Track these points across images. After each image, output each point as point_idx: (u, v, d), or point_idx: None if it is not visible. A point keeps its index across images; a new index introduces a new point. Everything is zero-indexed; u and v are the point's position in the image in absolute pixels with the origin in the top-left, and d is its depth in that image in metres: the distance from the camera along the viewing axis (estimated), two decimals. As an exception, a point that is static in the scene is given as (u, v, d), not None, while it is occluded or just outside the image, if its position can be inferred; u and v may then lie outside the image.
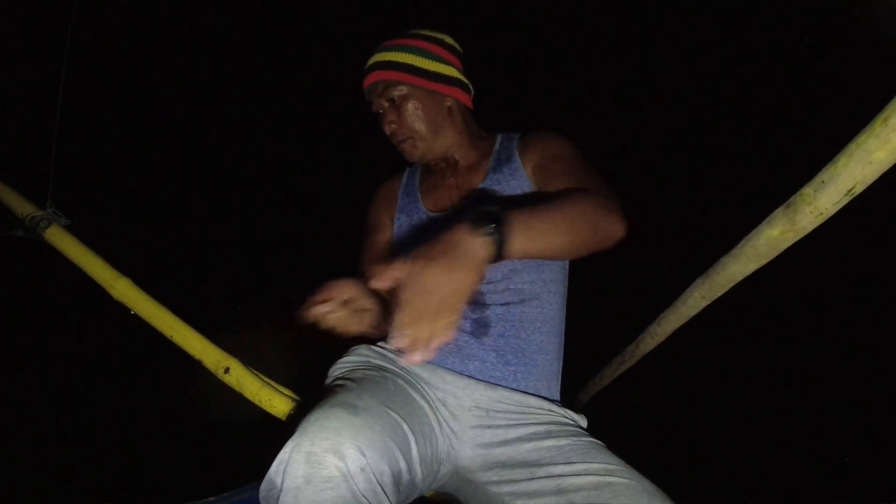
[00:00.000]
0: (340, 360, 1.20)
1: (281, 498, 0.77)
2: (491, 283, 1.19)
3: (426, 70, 1.28)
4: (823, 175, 0.69)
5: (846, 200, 0.69)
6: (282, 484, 0.77)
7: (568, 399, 1.30)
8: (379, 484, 0.79)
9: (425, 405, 1.08)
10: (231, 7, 4.21)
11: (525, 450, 1.04)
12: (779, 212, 0.79)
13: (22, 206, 1.55)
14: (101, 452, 1.89)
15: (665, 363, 1.70)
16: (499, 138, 1.36)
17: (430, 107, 1.29)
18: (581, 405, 1.88)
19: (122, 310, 1.42)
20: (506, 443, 1.07)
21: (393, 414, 0.91)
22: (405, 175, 1.44)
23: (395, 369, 1.15)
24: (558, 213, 0.93)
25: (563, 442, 1.03)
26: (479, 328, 1.16)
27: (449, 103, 1.32)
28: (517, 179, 1.24)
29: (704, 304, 1.12)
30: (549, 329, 1.21)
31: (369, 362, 1.17)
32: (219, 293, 2.53)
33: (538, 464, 0.99)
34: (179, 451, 1.88)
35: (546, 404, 1.16)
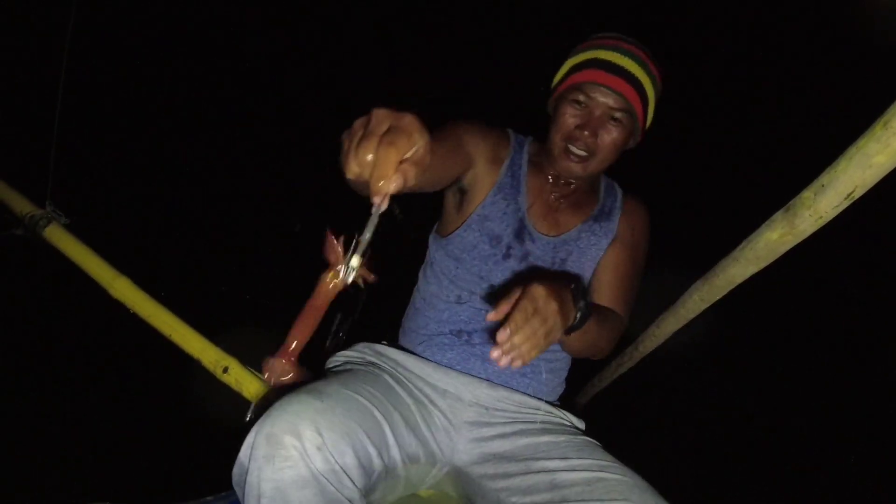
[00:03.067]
0: (336, 355, 1.22)
1: (247, 478, 0.81)
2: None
3: (647, 112, 1.20)
4: (823, 178, 0.69)
5: (846, 204, 0.69)
6: (248, 465, 0.81)
7: (567, 400, 1.30)
8: (338, 463, 0.81)
9: (410, 400, 1.09)
10: (230, 7, 4.21)
11: (521, 444, 1.06)
12: (778, 215, 0.79)
13: (21, 205, 1.55)
14: (100, 451, 1.89)
15: (664, 365, 1.70)
16: (602, 182, 1.35)
17: (623, 143, 1.20)
18: (580, 406, 1.88)
19: (121, 309, 1.42)
20: (503, 436, 1.10)
21: (361, 400, 0.93)
22: (512, 146, 1.30)
23: (386, 367, 1.17)
24: (602, 334, 1.09)
25: (560, 438, 1.06)
26: None
27: (632, 145, 1.24)
28: (604, 240, 1.27)
29: (704, 306, 1.12)
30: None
31: (363, 358, 1.19)
32: (218, 292, 2.53)
33: (533, 458, 1.02)
34: (178, 451, 1.87)
35: (545, 406, 1.18)
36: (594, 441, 1.08)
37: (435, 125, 1.20)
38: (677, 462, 2.13)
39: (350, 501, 0.82)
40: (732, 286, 1.00)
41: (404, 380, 1.14)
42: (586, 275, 1.26)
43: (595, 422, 1.21)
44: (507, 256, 1.22)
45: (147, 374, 2.12)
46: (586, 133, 1.14)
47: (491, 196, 1.24)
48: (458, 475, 1.10)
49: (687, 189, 3.72)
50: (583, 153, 1.16)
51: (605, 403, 1.76)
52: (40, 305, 2.35)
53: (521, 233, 1.24)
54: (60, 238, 1.47)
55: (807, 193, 0.72)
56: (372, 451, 0.88)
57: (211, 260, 2.82)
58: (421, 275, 1.35)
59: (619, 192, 1.35)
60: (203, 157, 3.55)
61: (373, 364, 1.17)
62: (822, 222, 0.73)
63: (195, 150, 3.59)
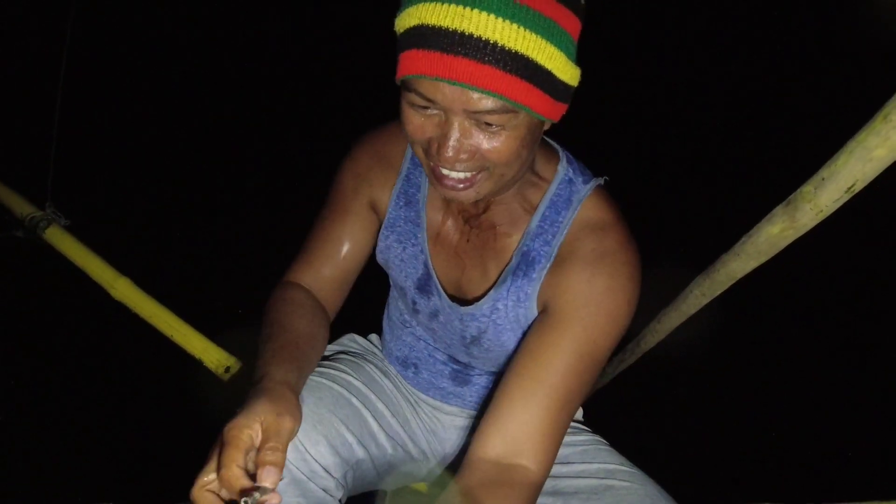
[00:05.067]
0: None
1: None
2: (467, 361, 1.06)
3: (561, 82, 0.69)
4: (824, 172, 0.69)
5: (846, 198, 0.69)
6: None
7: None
8: (309, 453, 0.80)
9: (397, 393, 1.07)
10: (229, 6, 4.20)
11: None
12: (779, 209, 0.79)
13: (21, 207, 1.56)
14: (101, 452, 1.89)
15: (666, 360, 1.70)
16: (551, 190, 0.87)
17: (533, 142, 0.74)
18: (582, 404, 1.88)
19: (122, 310, 1.42)
20: None
21: (337, 388, 0.90)
22: (408, 154, 0.95)
23: (373, 360, 1.13)
24: None
25: None
26: (459, 377, 1.09)
27: (546, 127, 0.77)
28: (526, 305, 0.88)
29: (705, 301, 1.11)
30: None
31: (347, 350, 1.16)
32: (219, 293, 2.53)
33: None
34: (180, 451, 1.88)
35: None
36: (598, 438, 1.03)
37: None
38: (681, 457, 2.13)
39: (324, 490, 0.81)
40: (733, 281, 0.99)
41: (392, 373, 1.12)
42: (512, 345, 0.93)
43: (597, 417, 1.21)
44: (415, 311, 1.02)
45: (149, 375, 2.12)
46: (449, 153, 0.68)
47: (383, 238, 0.98)
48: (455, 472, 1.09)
49: (687, 184, 3.72)
50: (460, 175, 0.73)
51: (607, 399, 1.76)
52: (41, 307, 2.35)
53: (426, 285, 0.96)
54: (61, 239, 1.47)
55: (807, 187, 0.72)
56: (350, 439, 0.86)
57: (212, 260, 2.82)
58: None
59: (571, 213, 0.85)
60: (204, 157, 3.55)
61: (359, 355, 1.14)
62: (822, 216, 0.73)
63: (196, 150, 3.59)
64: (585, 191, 0.87)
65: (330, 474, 0.82)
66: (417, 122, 0.71)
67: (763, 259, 0.88)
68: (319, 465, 0.81)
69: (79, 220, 1.61)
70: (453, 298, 0.94)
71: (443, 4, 0.61)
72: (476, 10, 0.60)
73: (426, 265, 0.94)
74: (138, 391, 2.13)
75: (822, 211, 0.72)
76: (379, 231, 0.99)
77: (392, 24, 0.69)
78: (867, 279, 3.22)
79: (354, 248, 0.98)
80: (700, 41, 4.13)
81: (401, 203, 0.95)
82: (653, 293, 1.33)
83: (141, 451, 1.92)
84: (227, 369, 1.30)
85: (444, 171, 0.73)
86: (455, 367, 1.08)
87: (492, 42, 0.60)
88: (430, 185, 0.84)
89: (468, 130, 0.68)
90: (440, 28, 0.61)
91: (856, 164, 0.64)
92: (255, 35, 4.33)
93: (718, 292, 1.06)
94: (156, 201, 3.16)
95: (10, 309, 2.28)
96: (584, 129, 1.19)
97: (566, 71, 0.68)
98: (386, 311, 1.21)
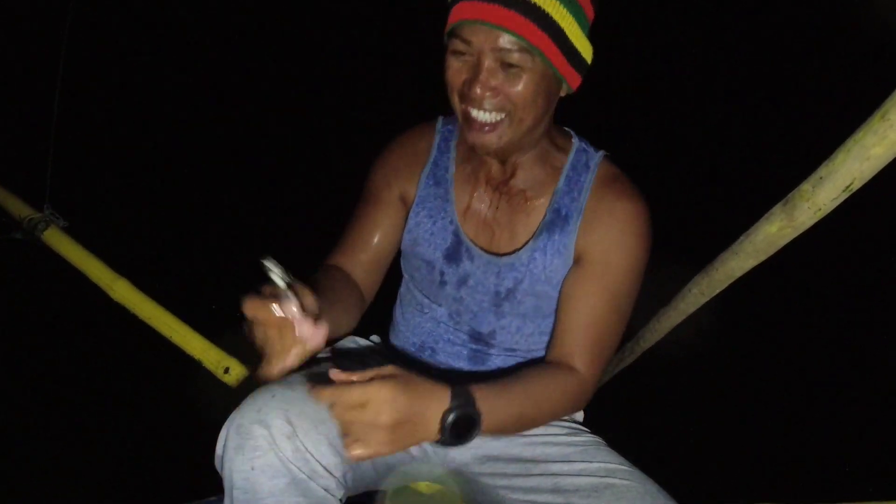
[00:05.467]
0: (323, 350, 1.20)
1: (223, 470, 0.80)
2: (486, 345, 1.10)
3: (573, 47, 0.87)
4: (822, 171, 0.69)
5: (844, 196, 0.69)
6: (222, 457, 0.81)
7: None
8: (310, 452, 0.79)
9: None
10: (228, 6, 4.20)
11: (518, 445, 1.02)
12: (777, 208, 0.79)
13: (20, 209, 1.55)
14: (102, 453, 1.89)
15: (665, 359, 1.70)
16: (570, 156, 1.03)
17: (548, 95, 0.90)
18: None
19: (121, 311, 1.42)
20: (496, 437, 1.04)
21: None
22: (435, 144, 1.10)
23: (373, 362, 1.13)
24: (525, 423, 0.92)
25: (560, 439, 1.01)
26: (478, 356, 1.12)
27: (564, 93, 0.94)
28: (562, 257, 1.00)
29: (704, 300, 1.12)
30: None
31: (348, 351, 1.16)
32: (218, 293, 2.53)
33: (534, 460, 0.98)
34: (180, 452, 1.88)
35: None
36: (597, 438, 1.04)
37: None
38: (680, 457, 2.14)
39: (325, 490, 0.81)
40: (732, 279, 1.00)
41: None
42: (542, 303, 1.04)
43: (597, 416, 1.21)
44: (442, 283, 1.08)
45: (148, 376, 2.12)
46: (478, 90, 0.84)
47: (413, 217, 1.08)
48: (457, 473, 1.09)
49: (686, 182, 3.72)
50: (486, 117, 0.88)
51: (606, 398, 1.76)
52: (40, 309, 2.35)
53: (455, 252, 1.05)
54: (59, 241, 1.47)
55: (805, 186, 0.72)
56: None
57: (211, 261, 2.82)
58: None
59: (591, 174, 1.02)
60: (203, 157, 3.55)
61: (359, 356, 1.14)
62: (820, 215, 0.73)
63: (195, 151, 3.59)
64: (598, 157, 1.04)
65: (331, 473, 0.81)
66: (456, 67, 0.88)
67: (762, 258, 0.88)
68: (320, 464, 0.80)
69: (77, 221, 1.61)
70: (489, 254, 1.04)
71: None
72: None
73: (456, 234, 1.05)
74: (138, 392, 2.13)
75: (820, 209, 0.72)
76: (407, 216, 1.10)
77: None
78: (866, 278, 3.23)
79: (387, 235, 1.10)
80: (700, 40, 4.14)
81: (430, 183, 1.08)
82: (652, 292, 1.33)
83: (140, 451, 1.92)
84: (227, 370, 1.30)
85: (474, 114, 0.88)
86: (474, 346, 1.10)
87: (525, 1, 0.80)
88: (459, 148, 1.06)
89: (494, 71, 0.84)
90: None
91: (854, 162, 0.64)
92: (256, 36, 4.33)
93: (717, 291, 1.06)
94: (154, 202, 3.16)
95: (8, 311, 2.28)
96: (585, 130, 1.20)
97: (578, 38, 0.87)
98: (398, 304, 1.23)
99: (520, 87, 0.85)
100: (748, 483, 2.18)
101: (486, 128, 0.89)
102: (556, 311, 1.02)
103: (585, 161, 1.03)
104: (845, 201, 0.70)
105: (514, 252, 1.02)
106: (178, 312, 1.42)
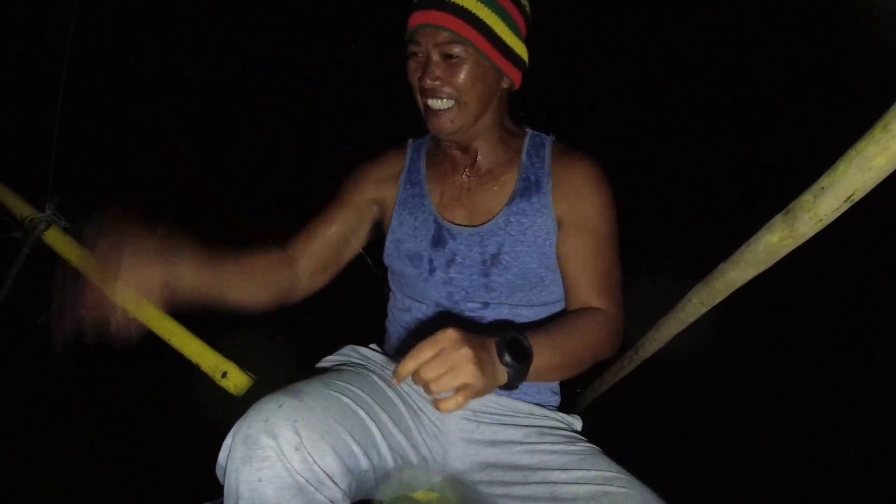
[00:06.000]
0: (324, 359, 1.20)
1: (226, 480, 0.80)
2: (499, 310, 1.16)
3: (503, 41, 1.06)
4: (823, 181, 0.69)
5: (846, 207, 0.69)
6: (226, 466, 0.80)
7: (566, 404, 1.29)
8: (316, 463, 0.79)
9: (400, 402, 1.07)
10: (229, 5, 4.21)
11: (517, 452, 1.03)
12: (778, 218, 0.79)
13: (21, 208, 1.55)
14: (99, 456, 1.89)
15: (664, 368, 1.69)
16: (526, 140, 1.20)
17: (487, 83, 1.08)
18: (579, 410, 1.87)
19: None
20: (495, 444, 1.06)
21: (344, 399, 0.91)
22: (408, 156, 1.25)
23: (375, 369, 1.14)
24: (572, 356, 0.98)
25: (558, 447, 1.02)
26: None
27: (505, 85, 1.12)
28: (539, 218, 1.12)
29: (703, 309, 1.11)
30: None
31: (349, 361, 1.17)
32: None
33: (531, 468, 0.98)
34: (176, 455, 1.87)
35: (537, 409, 1.15)
36: (595, 447, 1.04)
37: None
38: (678, 465, 2.13)
39: (331, 501, 0.81)
40: (732, 290, 0.99)
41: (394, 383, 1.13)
42: (529, 267, 1.13)
43: (595, 425, 1.20)
44: (432, 271, 1.16)
45: (146, 379, 2.12)
46: (428, 80, 1.04)
47: (395, 217, 1.20)
48: (455, 481, 1.08)
49: (687, 192, 3.73)
50: (439, 104, 1.06)
51: (605, 407, 1.76)
52: (38, 309, 2.35)
53: (439, 237, 1.16)
54: (60, 242, 1.47)
55: (806, 196, 0.72)
56: (357, 449, 0.86)
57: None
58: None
59: (548, 153, 1.17)
60: (203, 160, 3.55)
61: (360, 366, 1.15)
62: (821, 225, 0.73)
63: (196, 153, 3.60)
64: (550, 138, 1.21)
65: (336, 484, 0.82)
66: (412, 67, 1.08)
67: (762, 268, 0.88)
68: (327, 475, 0.80)
69: (78, 222, 1.61)
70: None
71: None
72: None
73: (436, 222, 1.16)
74: (135, 395, 2.13)
75: (821, 220, 0.72)
76: (383, 221, 1.22)
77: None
78: (866, 289, 3.22)
79: (343, 233, 1.21)
80: (702, 47, 4.15)
81: (407, 186, 1.21)
82: (651, 301, 1.33)
83: (138, 455, 1.92)
84: (225, 374, 1.29)
85: (430, 102, 1.06)
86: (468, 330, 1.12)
87: (453, 4, 1.01)
88: (428, 153, 1.21)
89: (438, 63, 1.04)
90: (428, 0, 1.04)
91: (855, 173, 0.64)
92: (257, 36, 4.35)
93: (717, 301, 1.05)
94: (155, 204, 3.17)
95: (7, 311, 2.28)
96: (585, 138, 1.21)
97: (508, 36, 1.07)
98: (389, 315, 1.29)
99: (462, 75, 1.04)
100: (746, 493, 2.17)
101: (441, 113, 1.07)
102: (562, 273, 1.13)
103: (541, 141, 1.20)
104: (846, 212, 0.70)
105: (491, 219, 1.14)
106: (177, 316, 1.41)
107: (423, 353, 0.76)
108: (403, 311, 1.23)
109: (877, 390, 2.62)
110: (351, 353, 1.21)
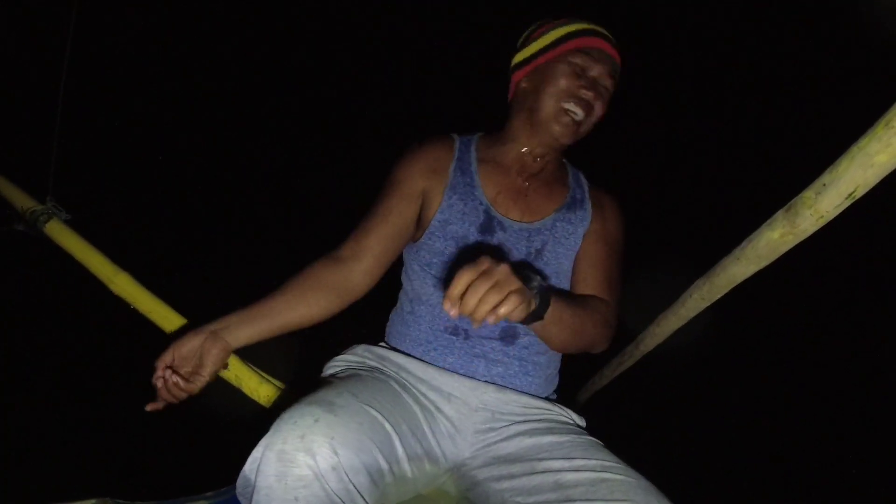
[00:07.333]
0: (336, 358, 1.20)
1: (254, 496, 0.77)
2: None
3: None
4: (825, 178, 0.69)
5: (847, 204, 0.69)
6: (255, 482, 0.78)
7: (567, 398, 1.30)
8: (352, 482, 0.79)
9: (416, 407, 1.07)
10: (232, 4, 4.20)
11: (525, 445, 1.05)
12: (780, 214, 0.79)
13: (22, 201, 1.55)
14: (100, 447, 1.90)
15: (664, 363, 1.70)
16: (569, 168, 1.37)
17: (602, 118, 1.26)
18: (580, 404, 1.88)
19: (121, 305, 1.42)
20: (507, 438, 1.08)
21: (373, 412, 0.90)
22: (456, 148, 1.30)
23: (390, 372, 1.15)
24: (579, 320, 1.07)
25: (563, 438, 1.04)
26: (508, 336, 1.18)
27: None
28: (580, 228, 1.27)
29: (704, 305, 1.11)
30: None
31: (364, 363, 1.17)
32: (219, 288, 2.54)
33: (537, 458, 1.01)
34: (177, 446, 1.88)
35: (547, 404, 1.18)
36: (597, 440, 1.07)
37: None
38: (678, 459, 2.14)
39: None
40: (733, 285, 0.99)
41: (409, 385, 1.12)
42: (563, 267, 1.24)
43: (596, 419, 1.21)
44: (477, 252, 1.16)
45: (146, 370, 2.12)
46: (592, 94, 1.17)
47: (446, 200, 1.23)
48: (461, 476, 1.09)
49: (688, 188, 3.72)
50: (579, 113, 1.18)
51: (605, 401, 1.76)
52: (40, 301, 2.35)
53: (488, 225, 1.22)
54: (61, 233, 1.47)
55: (808, 193, 0.72)
56: (384, 465, 0.87)
57: (211, 255, 2.82)
58: (404, 277, 1.31)
59: (585, 182, 1.35)
60: (205, 152, 3.55)
61: (376, 369, 1.14)
62: (823, 222, 0.73)
63: (197, 144, 3.59)
64: (584, 177, 1.38)
65: (366, 501, 0.81)
66: (568, 72, 1.18)
67: (763, 264, 0.88)
68: (359, 493, 0.80)
69: (79, 214, 1.61)
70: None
71: (597, 27, 1.22)
72: (609, 37, 1.22)
73: (487, 212, 1.22)
74: (136, 387, 2.13)
75: (822, 217, 0.72)
76: (428, 209, 1.24)
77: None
78: (867, 285, 3.22)
79: (404, 226, 1.23)
80: (704, 43, 4.13)
81: (458, 174, 1.26)
82: (652, 296, 1.34)
83: (139, 446, 1.92)
84: (226, 365, 1.30)
85: (573, 111, 1.18)
86: (506, 321, 1.11)
87: (617, 48, 1.22)
88: (535, 131, 1.24)
89: (598, 87, 1.19)
90: (602, 33, 1.21)
91: (857, 170, 0.64)
92: (259, 36, 4.33)
93: (718, 297, 1.06)
94: (157, 196, 3.17)
95: (9, 302, 2.28)
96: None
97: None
98: (405, 309, 1.25)
99: (600, 102, 1.20)
100: (746, 487, 2.18)
101: (571, 123, 1.19)
102: (573, 269, 1.26)
103: (576, 171, 1.37)
104: (848, 209, 0.70)
105: (541, 220, 1.24)
106: (178, 307, 1.42)
107: (467, 275, 0.80)
108: (433, 294, 1.21)
109: (877, 387, 2.63)
110: (365, 353, 1.20)
